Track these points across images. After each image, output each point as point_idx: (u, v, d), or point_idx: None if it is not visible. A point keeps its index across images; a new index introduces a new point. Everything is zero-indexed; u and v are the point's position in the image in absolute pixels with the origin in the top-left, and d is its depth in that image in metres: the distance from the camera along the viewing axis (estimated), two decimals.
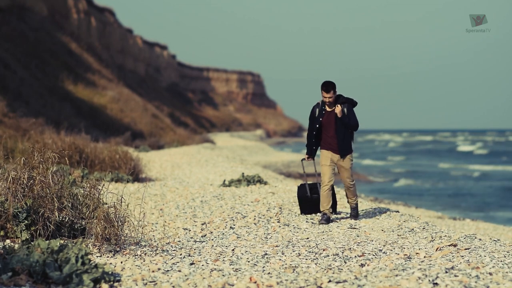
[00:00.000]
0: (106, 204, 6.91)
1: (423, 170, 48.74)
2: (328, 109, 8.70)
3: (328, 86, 8.57)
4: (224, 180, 13.25)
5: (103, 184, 7.13)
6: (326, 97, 8.60)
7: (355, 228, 8.35)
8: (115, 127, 38.86)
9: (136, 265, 5.96)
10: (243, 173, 13.26)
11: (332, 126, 8.66)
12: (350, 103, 8.70)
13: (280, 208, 9.57)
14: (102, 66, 59.69)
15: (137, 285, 5.27)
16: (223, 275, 5.67)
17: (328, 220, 8.65)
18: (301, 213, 9.27)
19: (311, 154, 8.89)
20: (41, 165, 6.90)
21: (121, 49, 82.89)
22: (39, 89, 37.33)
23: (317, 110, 8.75)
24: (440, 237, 7.45)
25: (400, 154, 77.50)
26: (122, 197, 6.90)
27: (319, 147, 8.89)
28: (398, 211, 9.65)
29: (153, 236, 8.02)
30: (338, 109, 8.59)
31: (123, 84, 59.62)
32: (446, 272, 5.38)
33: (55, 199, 6.67)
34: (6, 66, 36.01)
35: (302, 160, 9.26)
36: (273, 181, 14.65)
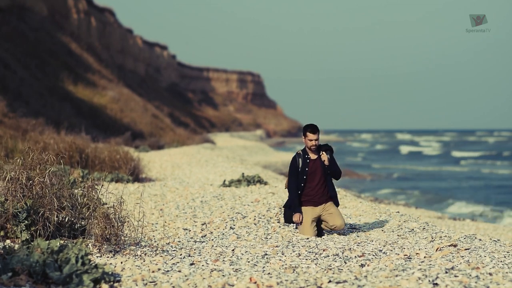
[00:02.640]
0: (106, 204, 6.91)
1: (358, 170, 48.81)
2: (312, 157, 7.90)
3: (314, 128, 7.77)
4: (224, 180, 13.24)
5: (102, 185, 7.13)
6: (312, 140, 7.77)
7: (355, 228, 8.35)
8: (115, 127, 38.86)
9: (136, 266, 5.95)
10: (243, 173, 13.25)
11: (318, 175, 7.86)
12: (330, 150, 7.93)
13: (280, 208, 9.56)
14: (102, 66, 59.72)
15: (137, 285, 5.27)
16: (223, 275, 5.67)
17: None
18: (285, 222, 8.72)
19: (300, 210, 7.91)
20: (39, 166, 6.90)
21: (121, 49, 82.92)
22: (39, 89, 37.33)
23: (300, 160, 7.88)
24: (440, 237, 7.45)
25: (354, 154, 77.68)
26: (121, 197, 6.90)
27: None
28: (398, 211, 9.65)
29: (153, 236, 8.02)
30: (325, 157, 7.84)
31: (123, 84, 59.63)
32: (446, 272, 5.38)
33: (54, 199, 6.67)
34: (6, 66, 36.01)
35: (296, 225, 8.23)
36: (273, 181, 14.63)
